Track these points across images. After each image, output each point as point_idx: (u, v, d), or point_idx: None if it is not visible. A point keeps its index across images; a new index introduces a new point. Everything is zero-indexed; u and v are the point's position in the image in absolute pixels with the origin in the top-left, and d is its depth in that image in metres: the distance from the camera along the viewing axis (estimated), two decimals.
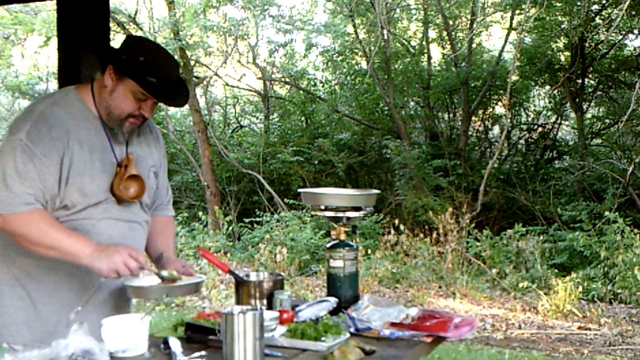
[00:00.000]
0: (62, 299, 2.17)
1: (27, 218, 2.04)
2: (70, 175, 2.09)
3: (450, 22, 13.50)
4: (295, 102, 15.18)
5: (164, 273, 2.17)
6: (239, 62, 14.98)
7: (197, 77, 14.00)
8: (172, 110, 13.57)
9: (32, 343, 1.78)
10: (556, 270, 8.39)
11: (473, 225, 9.49)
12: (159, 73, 2.11)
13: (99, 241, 2.12)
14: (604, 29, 11.79)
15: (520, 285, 7.88)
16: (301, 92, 15.12)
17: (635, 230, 8.27)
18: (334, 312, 2.30)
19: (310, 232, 9.82)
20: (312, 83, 15.40)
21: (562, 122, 13.87)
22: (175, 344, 1.96)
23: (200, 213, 11.48)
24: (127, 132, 2.21)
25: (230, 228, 11.01)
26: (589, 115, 13.43)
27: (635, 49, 12.67)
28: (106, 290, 2.23)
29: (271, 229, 10.30)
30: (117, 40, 13.21)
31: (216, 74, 14.24)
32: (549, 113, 13.99)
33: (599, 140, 13.18)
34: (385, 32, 12.47)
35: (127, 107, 2.14)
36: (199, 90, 14.05)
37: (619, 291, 7.70)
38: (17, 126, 2.08)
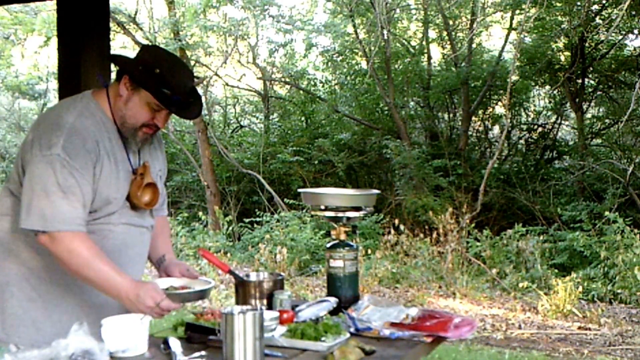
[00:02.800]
0: (74, 301, 2.19)
1: (72, 242, 2.03)
2: (99, 185, 2.11)
3: (450, 22, 13.49)
4: (295, 102, 15.18)
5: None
6: (239, 62, 14.97)
7: (197, 77, 13.99)
8: None
9: (39, 344, 1.79)
10: (556, 270, 8.39)
11: (473, 225, 9.48)
12: (175, 85, 2.12)
13: (114, 245, 2.17)
14: (604, 29, 11.79)
15: (520, 285, 7.88)
16: (301, 92, 15.11)
17: (635, 230, 8.26)
18: (334, 312, 2.30)
19: (310, 232, 9.81)
20: (312, 83, 15.39)
21: (562, 122, 13.86)
22: (175, 344, 1.96)
23: (200, 213, 11.47)
24: (140, 141, 2.23)
25: (230, 228, 11.01)
26: (589, 115, 13.42)
27: (635, 49, 12.67)
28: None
29: (271, 229, 10.30)
30: (116, 40, 13.25)
31: (216, 74, 14.24)
32: (549, 113, 13.99)
33: (599, 140, 13.18)
34: (385, 32, 12.46)
35: (142, 117, 2.16)
36: (199, 90, 14.03)
37: (619, 291, 7.70)
38: (49, 140, 2.05)
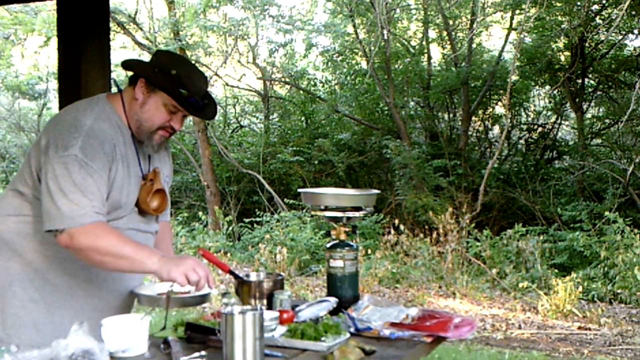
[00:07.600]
0: (76, 304, 2.19)
1: (95, 230, 2.02)
2: (112, 189, 2.11)
3: (450, 22, 13.49)
4: (295, 102, 15.18)
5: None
6: (239, 62, 14.97)
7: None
8: None
9: (39, 346, 1.78)
10: (556, 270, 8.39)
11: (473, 225, 9.48)
12: (191, 86, 2.14)
13: None
14: (604, 29, 11.79)
15: (520, 285, 7.88)
16: (301, 92, 15.11)
17: (635, 230, 8.26)
18: (334, 312, 2.30)
19: (310, 232, 9.81)
20: (312, 83, 15.40)
21: (562, 122, 13.86)
22: (175, 344, 1.96)
23: (200, 213, 11.47)
24: (157, 145, 2.24)
25: (230, 228, 11.01)
26: (589, 115, 13.42)
27: (635, 49, 12.67)
28: (110, 294, 2.25)
29: (271, 229, 10.30)
30: (116, 40, 13.24)
31: (216, 74, 14.22)
32: (549, 113, 13.99)
33: (599, 140, 13.18)
34: (385, 32, 12.46)
35: (158, 120, 2.17)
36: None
37: (619, 291, 7.70)
38: (66, 142, 2.04)
